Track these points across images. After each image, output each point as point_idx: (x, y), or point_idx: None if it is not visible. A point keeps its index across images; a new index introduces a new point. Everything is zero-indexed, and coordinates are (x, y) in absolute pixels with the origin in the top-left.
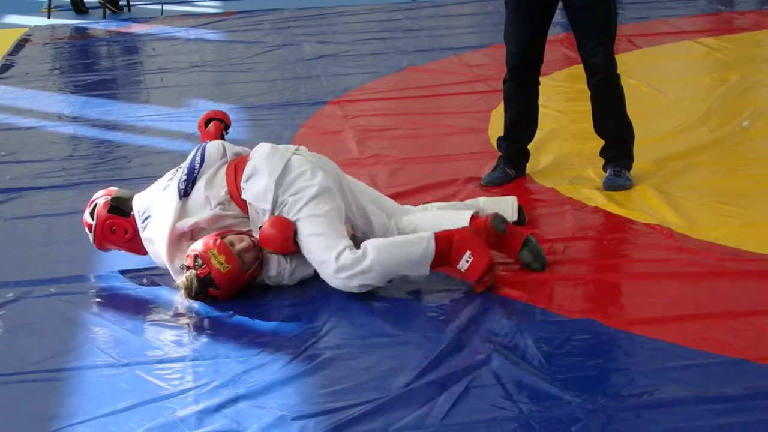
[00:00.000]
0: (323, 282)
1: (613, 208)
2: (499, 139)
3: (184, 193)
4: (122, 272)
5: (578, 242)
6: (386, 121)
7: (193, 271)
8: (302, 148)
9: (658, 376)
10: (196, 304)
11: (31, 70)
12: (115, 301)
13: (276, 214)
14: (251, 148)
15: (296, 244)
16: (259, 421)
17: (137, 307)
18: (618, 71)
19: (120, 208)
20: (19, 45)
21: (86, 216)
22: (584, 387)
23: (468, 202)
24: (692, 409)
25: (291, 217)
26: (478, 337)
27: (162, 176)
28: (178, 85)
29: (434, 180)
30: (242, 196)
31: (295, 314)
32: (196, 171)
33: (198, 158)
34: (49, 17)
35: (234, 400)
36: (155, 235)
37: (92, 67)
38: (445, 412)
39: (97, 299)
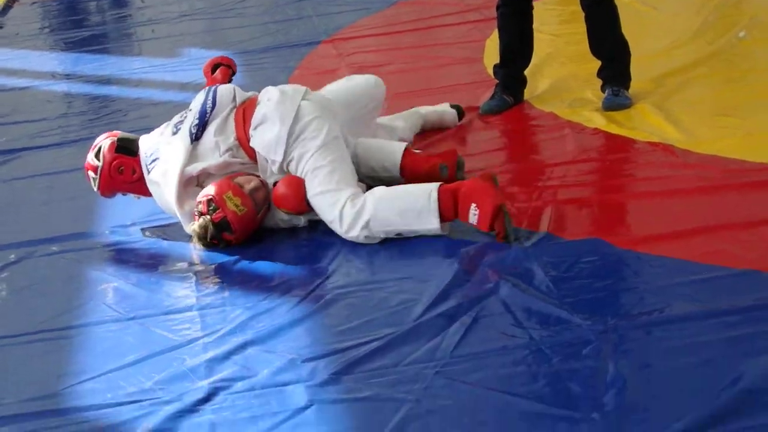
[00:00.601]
0: None
1: (614, 129)
2: (495, 66)
3: (195, 137)
4: (125, 227)
5: (580, 164)
6: (381, 57)
7: (207, 217)
8: (308, 90)
9: (667, 293)
10: (200, 254)
11: (21, 30)
12: (120, 256)
13: (284, 166)
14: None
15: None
16: (270, 366)
17: (141, 261)
18: None
19: (127, 147)
20: (7, 6)
21: (90, 159)
22: (594, 309)
23: (411, 111)
24: (702, 324)
25: (298, 173)
26: (485, 266)
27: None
28: (169, 35)
29: None
30: (251, 144)
31: (301, 257)
32: (207, 115)
33: (210, 102)
34: None
35: (243, 346)
36: (163, 179)
37: (82, 23)
38: (456, 343)
39: (101, 255)
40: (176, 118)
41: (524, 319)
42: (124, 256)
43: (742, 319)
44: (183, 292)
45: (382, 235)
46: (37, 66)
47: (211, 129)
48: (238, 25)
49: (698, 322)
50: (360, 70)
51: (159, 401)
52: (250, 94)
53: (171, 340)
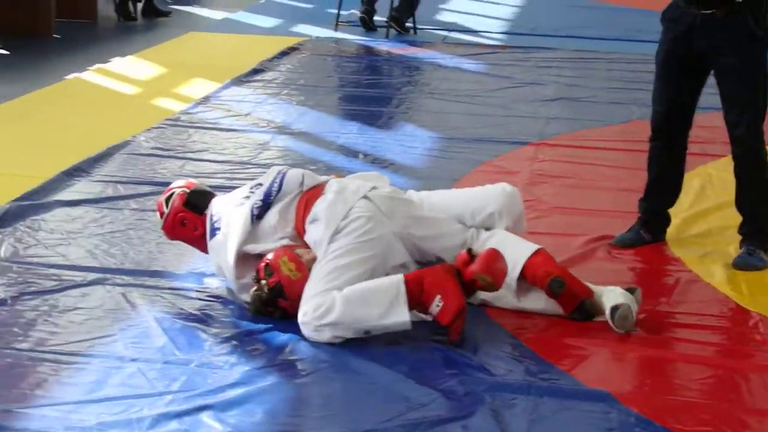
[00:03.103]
0: None
1: (725, 289)
2: (639, 200)
3: (257, 217)
4: (204, 275)
5: (659, 317)
6: (569, 169)
7: (263, 282)
8: (381, 185)
9: None
10: (243, 316)
11: (277, 78)
12: (175, 302)
13: None
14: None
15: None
16: None
17: (190, 312)
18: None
19: (195, 203)
20: (284, 53)
21: (161, 201)
22: None
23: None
24: None
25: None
26: (483, 388)
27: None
28: (402, 109)
29: (565, 231)
30: (305, 238)
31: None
32: (271, 198)
33: (276, 185)
34: (335, 30)
35: (200, 409)
36: (221, 249)
37: (336, 81)
38: None
39: (161, 296)
40: (246, 189)
41: None
42: (178, 303)
43: None
44: (195, 346)
45: (350, 334)
46: (262, 113)
47: (273, 211)
48: (470, 112)
49: None
50: (539, 177)
51: None
52: (321, 180)
53: (149, 388)
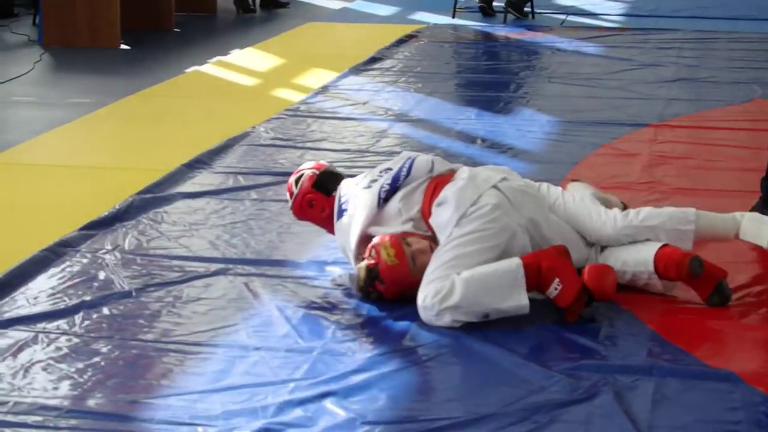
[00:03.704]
0: None
1: None
2: (761, 179)
3: (384, 201)
4: (325, 263)
5: None
6: (690, 150)
7: (365, 262)
8: (513, 178)
9: None
10: (359, 303)
11: (395, 66)
12: (295, 290)
13: None
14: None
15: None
16: (330, 421)
17: (311, 299)
18: None
19: (324, 185)
20: (401, 41)
21: (291, 181)
22: None
23: (729, 216)
24: None
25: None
26: (605, 370)
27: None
28: (520, 93)
29: None
30: (429, 220)
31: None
32: (399, 182)
33: (405, 169)
34: (453, 17)
35: (324, 396)
36: (346, 230)
37: (453, 68)
38: None
39: (282, 285)
40: (375, 172)
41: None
42: (300, 291)
43: None
44: (318, 335)
45: (470, 318)
46: (380, 101)
47: (398, 195)
48: (588, 95)
49: None
50: (660, 159)
51: (211, 429)
52: (451, 167)
53: (272, 376)
